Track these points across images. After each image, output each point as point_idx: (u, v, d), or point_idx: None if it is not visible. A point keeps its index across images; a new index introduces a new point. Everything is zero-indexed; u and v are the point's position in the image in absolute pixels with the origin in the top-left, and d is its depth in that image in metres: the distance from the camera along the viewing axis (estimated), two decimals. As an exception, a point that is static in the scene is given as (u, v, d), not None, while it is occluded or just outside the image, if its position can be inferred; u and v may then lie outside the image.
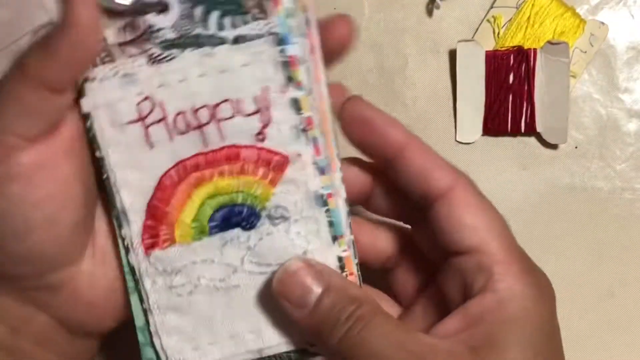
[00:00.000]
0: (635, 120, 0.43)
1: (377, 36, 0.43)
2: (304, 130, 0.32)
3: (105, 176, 0.33)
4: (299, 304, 0.31)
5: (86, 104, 0.32)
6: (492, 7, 0.43)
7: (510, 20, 0.43)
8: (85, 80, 0.32)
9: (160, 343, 0.34)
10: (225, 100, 0.32)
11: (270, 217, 0.33)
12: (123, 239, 0.33)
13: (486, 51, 0.42)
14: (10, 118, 0.30)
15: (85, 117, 0.32)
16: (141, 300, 0.34)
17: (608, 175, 0.43)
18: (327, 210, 0.33)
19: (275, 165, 0.33)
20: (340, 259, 0.33)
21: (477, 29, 0.43)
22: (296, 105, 0.32)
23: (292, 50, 0.32)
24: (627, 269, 0.43)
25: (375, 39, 0.43)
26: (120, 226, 0.33)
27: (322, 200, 0.33)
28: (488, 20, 0.43)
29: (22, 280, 0.33)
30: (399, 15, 0.43)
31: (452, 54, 0.43)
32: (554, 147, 0.43)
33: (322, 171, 0.33)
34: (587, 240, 0.43)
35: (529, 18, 0.42)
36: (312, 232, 0.33)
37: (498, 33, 0.43)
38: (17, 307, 0.33)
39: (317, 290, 0.31)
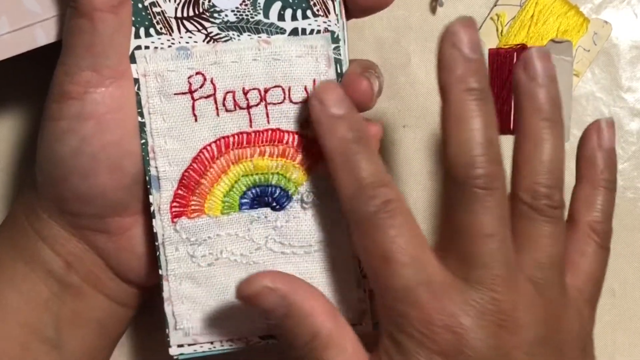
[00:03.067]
0: (637, 119, 0.43)
1: (380, 33, 0.43)
2: None
3: (143, 141, 0.34)
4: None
5: (136, 70, 0.34)
6: (495, 4, 0.43)
7: (513, 18, 0.43)
8: (138, 47, 0.34)
9: (171, 309, 0.35)
10: (277, 86, 0.34)
11: (300, 201, 0.34)
12: (151, 205, 0.34)
13: (489, 49, 0.42)
14: (81, 53, 0.32)
15: (133, 82, 0.34)
16: (159, 267, 0.35)
17: (610, 174, 0.43)
18: None
19: (315, 154, 0.34)
20: None
21: (480, 27, 0.43)
22: None
23: (344, 48, 0.34)
24: (629, 268, 0.43)
25: (378, 36, 0.43)
26: (150, 192, 0.34)
27: None
28: (491, 18, 0.43)
29: (82, 218, 0.35)
30: (402, 13, 0.43)
31: (455, 52, 0.43)
32: (556, 145, 0.43)
33: None
34: (589, 239, 0.43)
35: (532, 16, 0.42)
36: (337, 221, 0.35)
37: (501, 31, 0.43)
38: (74, 242, 0.35)
39: None
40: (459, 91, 0.31)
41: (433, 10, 0.44)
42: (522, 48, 0.42)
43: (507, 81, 0.42)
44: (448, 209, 0.31)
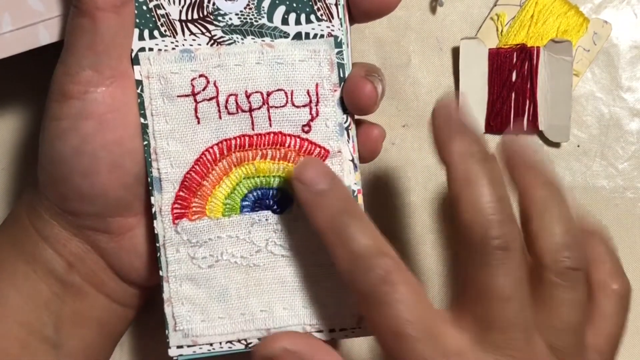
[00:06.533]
0: (637, 119, 0.43)
1: (380, 33, 0.43)
2: (347, 129, 0.35)
3: (145, 143, 0.34)
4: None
5: (139, 72, 0.34)
6: (495, 4, 0.43)
7: (513, 18, 0.43)
8: (142, 49, 0.34)
9: (171, 310, 0.35)
10: (279, 90, 0.34)
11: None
12: (152, 206, 0.34)
13: (489, 49, 0.42)
14: (82, 52, 0.32)
15: (137, 84, 0.34)
16: (160, 268, 0.35)
17: (610, 174, 0.43)
18: None
19: (317, 157, 0.34)
20: None
21: (480, 27, 0.43)
22: (344, 104, 0.34)
23: (347, 53, 0.34)
24: (629, 268, 0.43)
25: (378, 36, 0.43)
26: (152, 193, 0.34)
27: (354, 196, 0.35)
28: (491, 18, 0.43)
29: (83, 218, 0.35)
30: (402, 12, 0.43)
31: (455, 52, 0.43)
32: (556, 145, 0.43)
33: (355, 168, 0.35)
34: (589, 239, 0.43)
35: (532, 16, 0.42)
36: None
37: (501, 31, 0.43)
38: (75, 242, 0.36)
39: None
40: (460, 156, 0.31)
41: (433, 10, 0.44)
42: (522, 48, 0.42)
43: (507, 81, 0.43)
44: (464, 268, 0.31)
